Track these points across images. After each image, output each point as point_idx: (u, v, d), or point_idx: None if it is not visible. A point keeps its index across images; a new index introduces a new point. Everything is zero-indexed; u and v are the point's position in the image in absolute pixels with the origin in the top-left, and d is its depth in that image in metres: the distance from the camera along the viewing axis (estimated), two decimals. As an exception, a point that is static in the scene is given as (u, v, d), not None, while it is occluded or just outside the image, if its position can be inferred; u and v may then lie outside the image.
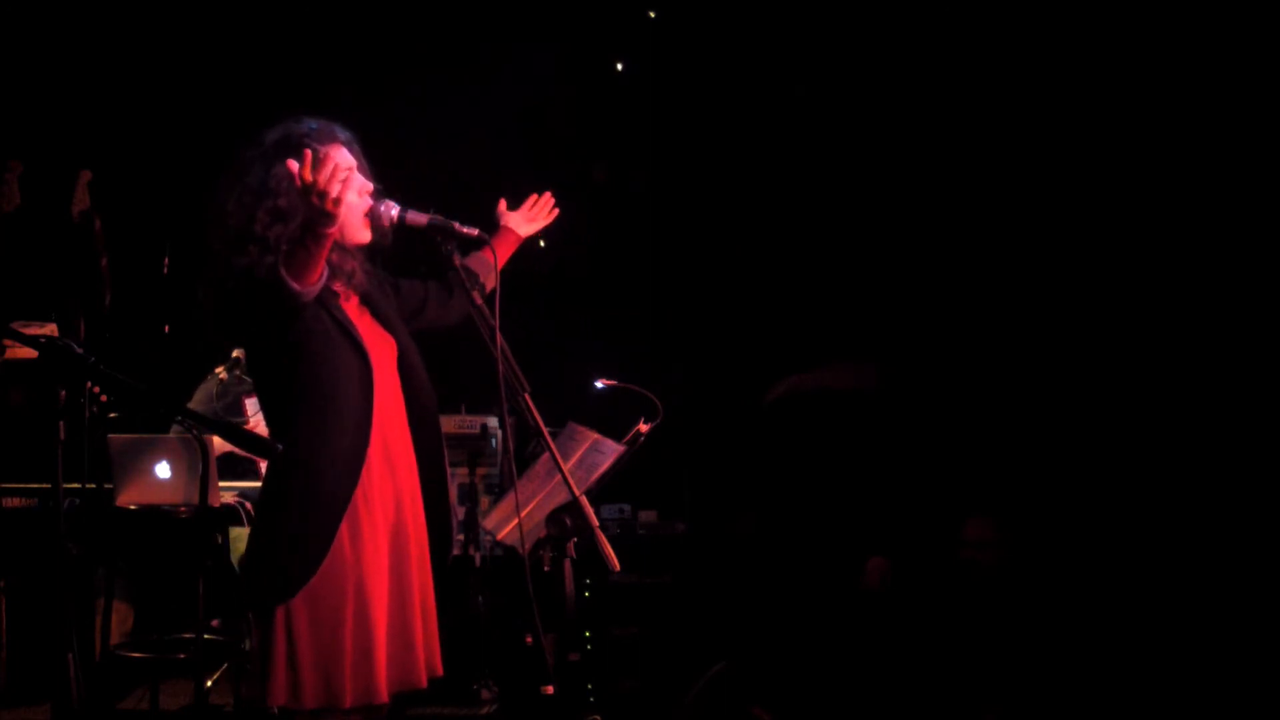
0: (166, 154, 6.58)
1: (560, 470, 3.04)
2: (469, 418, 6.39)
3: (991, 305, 5.45)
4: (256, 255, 3.01)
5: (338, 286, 3.17)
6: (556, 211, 3.71)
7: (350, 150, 3.19)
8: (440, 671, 3.22)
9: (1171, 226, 5.01)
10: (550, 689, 3.23)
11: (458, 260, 3.18)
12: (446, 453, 3.29)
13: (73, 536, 4.64)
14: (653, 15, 6.84)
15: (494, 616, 6.02)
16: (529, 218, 3.70)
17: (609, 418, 3.53)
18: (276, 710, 3.01)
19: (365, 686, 3.03)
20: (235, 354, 4.98)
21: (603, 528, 3.04)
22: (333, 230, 2.92)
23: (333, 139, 3.16)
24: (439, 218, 3.15)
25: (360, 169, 3.19)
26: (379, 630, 3.05)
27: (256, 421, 4.81)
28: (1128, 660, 4.62)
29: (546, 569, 3.14)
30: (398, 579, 3.11)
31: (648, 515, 6.34)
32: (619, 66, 7.02)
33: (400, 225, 3.17)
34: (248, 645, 3.07)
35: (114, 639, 4.93)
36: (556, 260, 6.80)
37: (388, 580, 3.09)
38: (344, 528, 3.04)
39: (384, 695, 3.05)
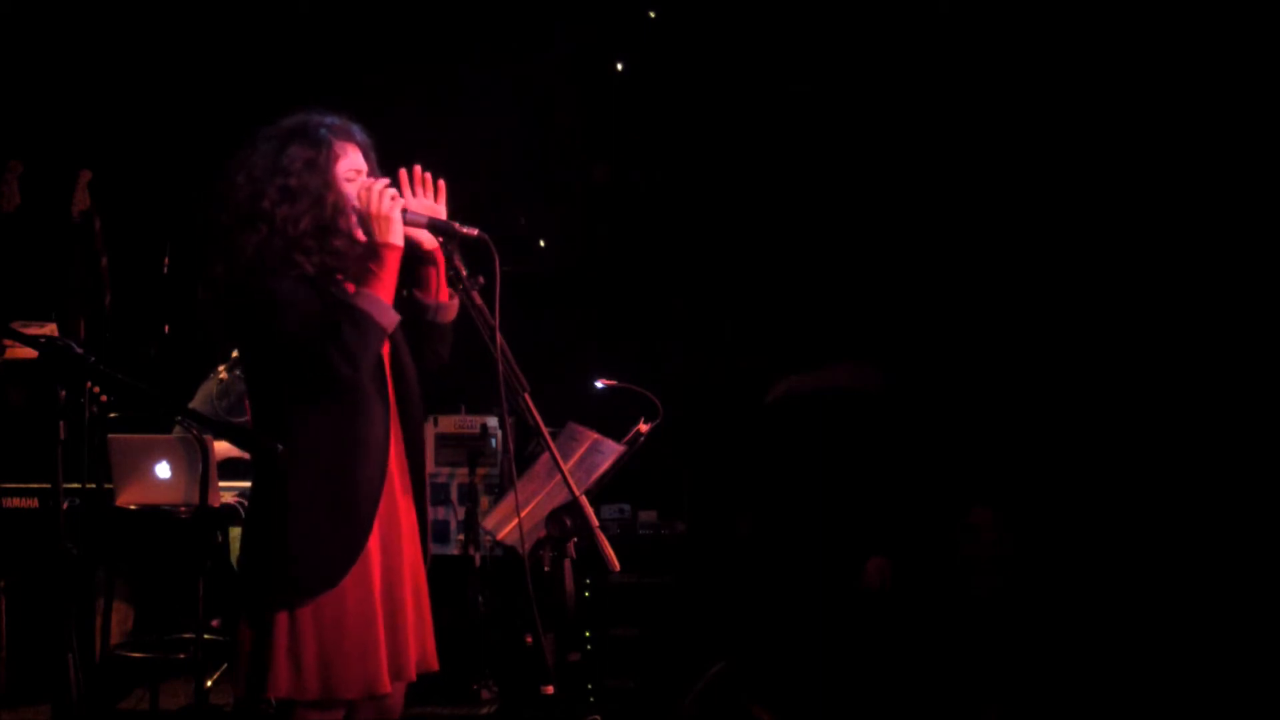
0: (166, 154, 6.59)
1: (560, 470, 3.04)
2: (469, 418, 6.39)
3: (991, 303, 5.45)
4: (266, 234, 3.02)
5: (348, 283, 3.17)
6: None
7: (364, 154, 3.19)
8: (435, 667, 3.22)
9: (1170, 224, 5.01)
10: (550, 689, 3.23)
11: (458, 260, 3.17)
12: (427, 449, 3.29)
13: (73, 536, 4.63)
14: (653, 15, 6.84)
15: (494, 616, 6.03)
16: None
17: (609, 418, 3.53)
18: (275, 703, 3.01)
19: (368, 678, 3.03)
20: (235, 353, 4.97)
21: (603, 528, 3.04)
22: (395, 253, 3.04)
23: (349, 138, 3.17)
24: (439, 217, 3.15)
25: (370, 173, 3.19)
26: (379, 622, 3.05)
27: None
28: (1128, 657, 4.62)
29: (546, 569, 3.14)
30: (388, 570, 3.11)
31: (648, 515, 6.34)
32: (619, 66, 7.03)
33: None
34: (249, 642, 3.05)
35: (114, 639, 4.93)
36: (556, 260, 6.80)
37: (380, 571, 3.09)
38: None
39: (387, 686, 3.05)
